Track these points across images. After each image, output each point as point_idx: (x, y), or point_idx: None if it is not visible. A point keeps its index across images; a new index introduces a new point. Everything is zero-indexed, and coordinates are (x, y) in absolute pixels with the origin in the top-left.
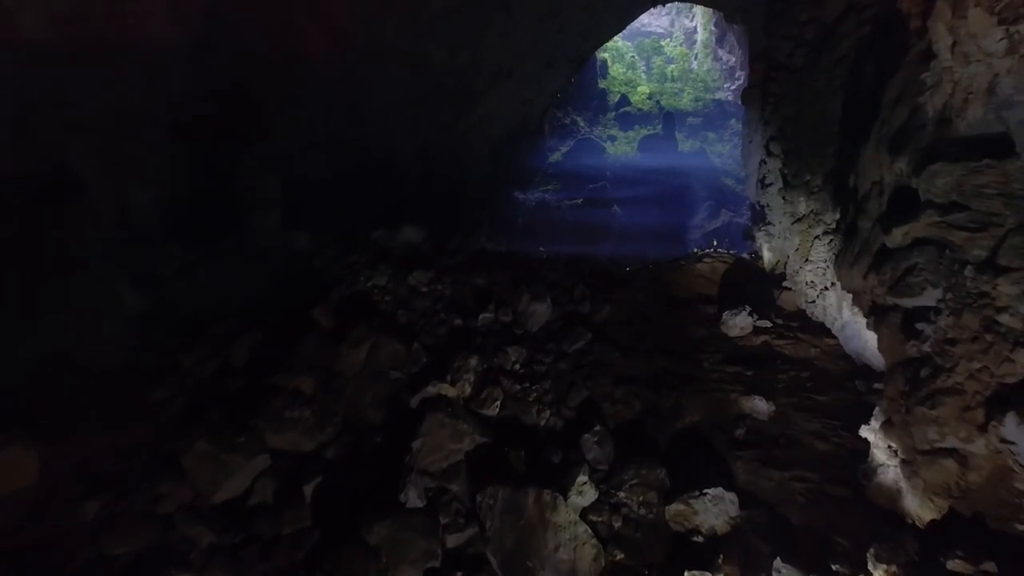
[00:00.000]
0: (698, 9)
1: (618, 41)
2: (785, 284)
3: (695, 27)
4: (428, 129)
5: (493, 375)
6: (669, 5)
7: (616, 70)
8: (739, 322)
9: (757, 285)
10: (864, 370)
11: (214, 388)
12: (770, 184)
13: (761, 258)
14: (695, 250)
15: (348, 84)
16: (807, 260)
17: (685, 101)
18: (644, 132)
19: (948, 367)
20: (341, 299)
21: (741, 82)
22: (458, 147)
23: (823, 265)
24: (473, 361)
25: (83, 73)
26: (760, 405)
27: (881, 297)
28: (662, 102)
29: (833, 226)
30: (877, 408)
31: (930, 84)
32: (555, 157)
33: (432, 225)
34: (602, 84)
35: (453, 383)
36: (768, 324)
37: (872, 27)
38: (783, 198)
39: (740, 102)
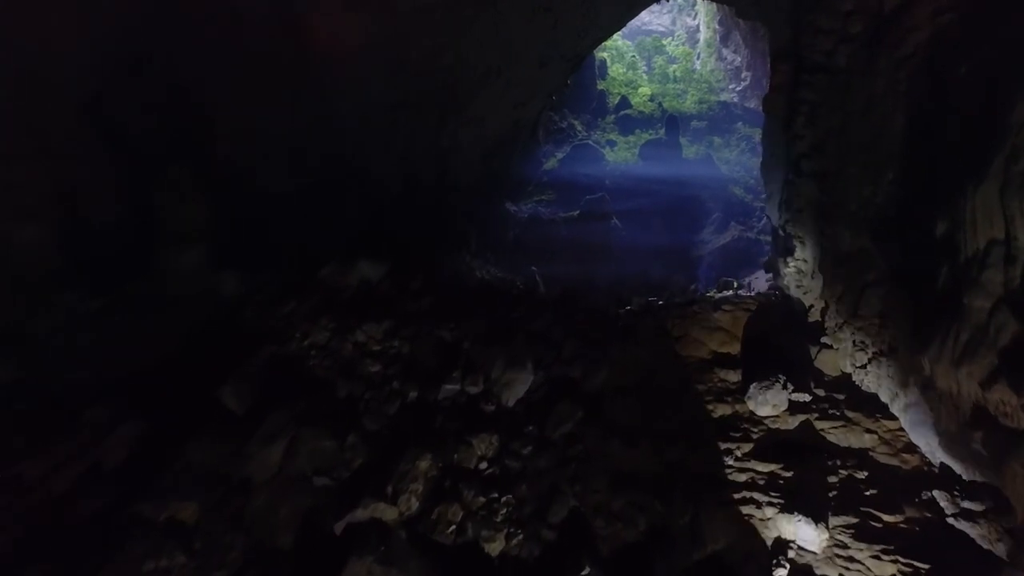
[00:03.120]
0: (701, 6)
1: (617, 40)
2: (824, 340)
3: (698, 25)
4: (409, 136)
5: (451, 481)
6: (671, 2)
7: (616, 70)
8: (771, 398)
9: (787, 338)
10: (943, 472)
11: (67, 511)
12: (800, 210)
13: (788, 297)
14: (711, 292)
15: (314, 85)
16: (855, 315)
17: (688, 103)
18: (646, 137)
19: None
20: (264, 365)
21: (747, 83)
22: (444, 155)
23: (877, 322)
24: (424, 464)
25: None
26: (807, 531)
27: (1015, 419)
28: (664, 104)
29: (892, 274)
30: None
31: None
32: (550, 164)
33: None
34: (601, 85)
35: (395, 498)
36: (807, 398)
37: (958, 14)
38: (820, 230)
39: (761, 109)
